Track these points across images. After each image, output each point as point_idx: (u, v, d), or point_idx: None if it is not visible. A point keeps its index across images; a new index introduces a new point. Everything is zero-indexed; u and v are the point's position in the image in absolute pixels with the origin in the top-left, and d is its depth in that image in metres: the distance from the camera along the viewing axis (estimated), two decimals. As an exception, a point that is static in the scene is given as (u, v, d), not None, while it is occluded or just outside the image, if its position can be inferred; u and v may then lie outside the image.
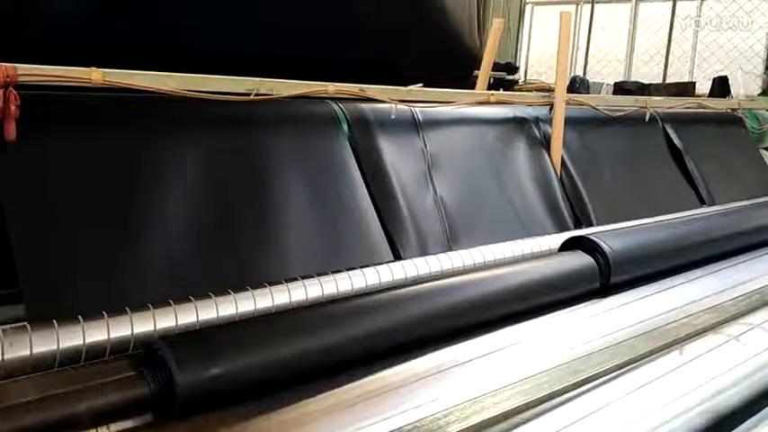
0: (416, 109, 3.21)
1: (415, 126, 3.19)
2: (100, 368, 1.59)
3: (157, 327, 1.89)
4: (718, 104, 5.41)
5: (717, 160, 4.90)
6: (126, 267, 2.23)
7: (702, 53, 8.36)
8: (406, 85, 3.23)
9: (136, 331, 1.84)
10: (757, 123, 5.56)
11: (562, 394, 1.68)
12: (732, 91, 6.40)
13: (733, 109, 5.42)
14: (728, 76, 6.61)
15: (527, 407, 1.61)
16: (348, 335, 1.75)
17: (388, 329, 1.83)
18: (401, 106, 3.11)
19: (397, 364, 1.70)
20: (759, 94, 6.26)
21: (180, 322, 1.93)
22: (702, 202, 4.58)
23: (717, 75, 6.91)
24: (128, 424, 1.47)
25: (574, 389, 1.73)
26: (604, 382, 1.76)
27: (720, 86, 6.45)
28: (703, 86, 6.97)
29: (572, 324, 2.14)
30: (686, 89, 6.38)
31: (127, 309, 1.89)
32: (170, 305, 1.95)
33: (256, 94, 2.67)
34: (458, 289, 2.10)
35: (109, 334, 1.78)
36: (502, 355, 1.86)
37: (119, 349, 1.79)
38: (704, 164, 4.75)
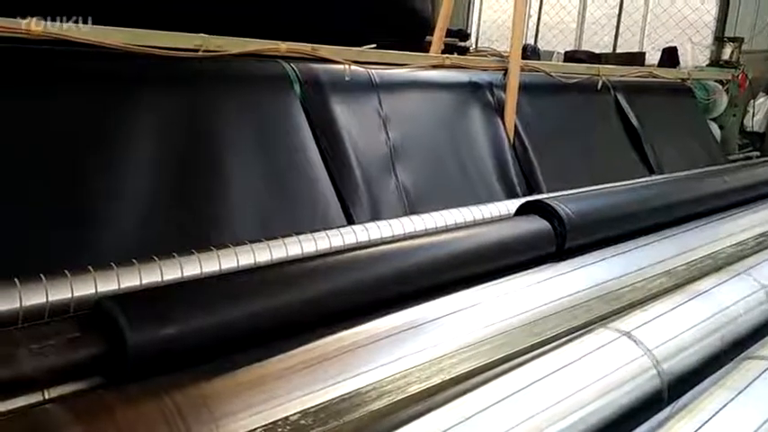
0: (373, 71, 3.12)
1: (371, 88, 3.11)
2: (42, 330, 1.46)
3: (99, 290, 1.78)
4: (669, 74, 5.46)
5: (666, 130, 4.95)
6: (65, 229, 2.13)
7: (653, 23, 8.45)
8: (357, 46, 3.14)
9: (76, 294, 1.74)
10: (705, 94, 5.64)
11: (521, 355, 1.65)
12: (681, 62, 6.49)
13: (683, 79, 5.48)
14: (678, 48, 6.71)
15: (487, 367, 1.58)
16: (306, 296, 1.68)
17: (346, 291, 1.77)
18: (357, 68, 3.02)
19: (356, 325, 1.64)
20: (707, 66, 6.36)
21: (122, 285, 1.83)
22: (651, 171, 4.64)
23: (666, 46, 7.00)
24: (76, 386, 1.38)
25: (533, 350, 1.70)
26: (563, 344, 1.73)
27: (669, 57, 6.51)
28: (653, 57, 7.04)
29: (529, 287, 2.10)
30: (636, 59, 6.42)
31: (66, 271, 1.78)
32: (112, 268, 1.84)
33: (205, 51, 2.55)
34: (416, 251, 2.05)
35: (48, 296, 1.68)
36: (459, 318, 1.81)
37: (57, 313, 1.69)
38: (654, 133, 4.80)
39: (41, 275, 1.72)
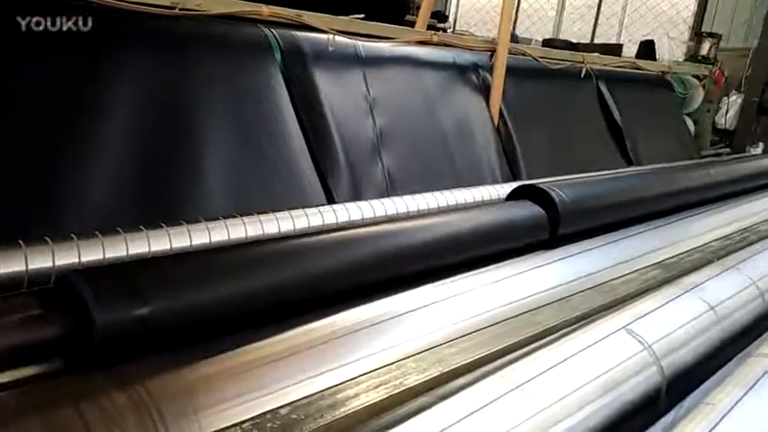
0: (359, 43, 2.96)
1: (356, 61, 2.94)
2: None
3: (57, 263, 1.62)
4: (650, 66, 5.41)
5: (645, 121, 4.90)
6: (21, 199, 1.95)
7: (631, 16, 8.43)
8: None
9: (30, 267, 1.57)
10: (683, 88, 5.61)
11: (522, 347, 1.54)
12: (657, 56, 6.46)
13: (663, 72, 5.44)
14: (655, 41, 6.68)
15: (487, 360, 1.45)
16: (292, 277, 1.51)
17: (333, 274, 1.62)
18: (343, 39, 2.85)
19: (343, 310, 1.49)
20: (684, 60, 6.34)
21: (84, 259, 1.66)
22: (629, 162, 4.59)
23: (643, 39, 6.97)
24: (33, 370, 1.20)
25: (532, 341, 1.59)
26: (562, 337, 1.62)
27: (647, 51, 6.47)
28: (630, 50, 7.02)
29: (522, 274, 2.00)
30: (613, 51, 6.36)
31: (20, 242, 1.60)
32: (72, 240, 1.67)
33: (181, 9, 2.37)
34: (407, 234, 1.90)
35: (-1, 269, 1.50)
36: (453, 304, 1.69)
37: (7, 288, 1.51)
38: (633, 123, 4.75)
39: (-6, 245, 1.55)
